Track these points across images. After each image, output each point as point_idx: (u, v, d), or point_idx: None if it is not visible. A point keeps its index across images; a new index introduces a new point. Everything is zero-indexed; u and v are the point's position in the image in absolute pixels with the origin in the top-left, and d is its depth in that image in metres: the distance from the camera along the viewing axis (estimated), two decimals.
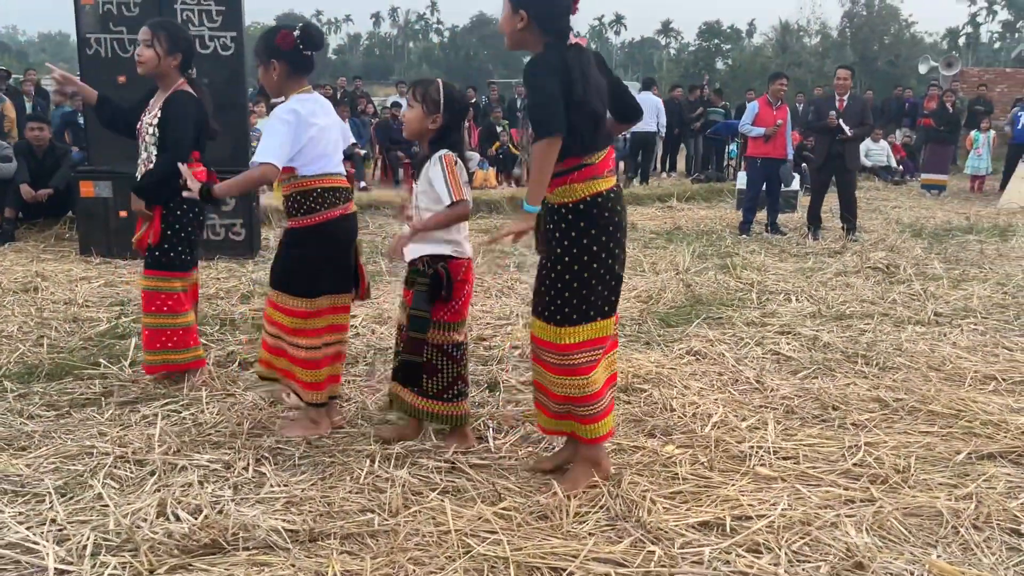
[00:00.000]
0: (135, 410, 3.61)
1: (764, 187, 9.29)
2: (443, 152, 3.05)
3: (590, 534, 2.57)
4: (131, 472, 2.99)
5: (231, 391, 3.85)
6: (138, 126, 3.83)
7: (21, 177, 7.50)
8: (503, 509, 2.68)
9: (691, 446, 3.29)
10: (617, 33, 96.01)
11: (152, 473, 2.97)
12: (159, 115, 3.71)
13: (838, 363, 4.41)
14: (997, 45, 77.30)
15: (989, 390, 3.98)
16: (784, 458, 3.17)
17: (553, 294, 2.73)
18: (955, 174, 15.46)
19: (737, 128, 15.42)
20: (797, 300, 5.89)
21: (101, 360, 4.19)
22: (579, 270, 2.70)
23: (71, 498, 2.79)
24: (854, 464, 3.10)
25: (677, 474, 3.01)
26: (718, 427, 3.45)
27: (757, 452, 3.19)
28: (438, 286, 3.05)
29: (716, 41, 73.25)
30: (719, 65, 66.83)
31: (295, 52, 3.23)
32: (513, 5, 2.69)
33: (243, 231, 7.09)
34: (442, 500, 2.76)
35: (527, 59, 2.70)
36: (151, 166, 3.74)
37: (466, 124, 14.67)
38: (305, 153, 3.23)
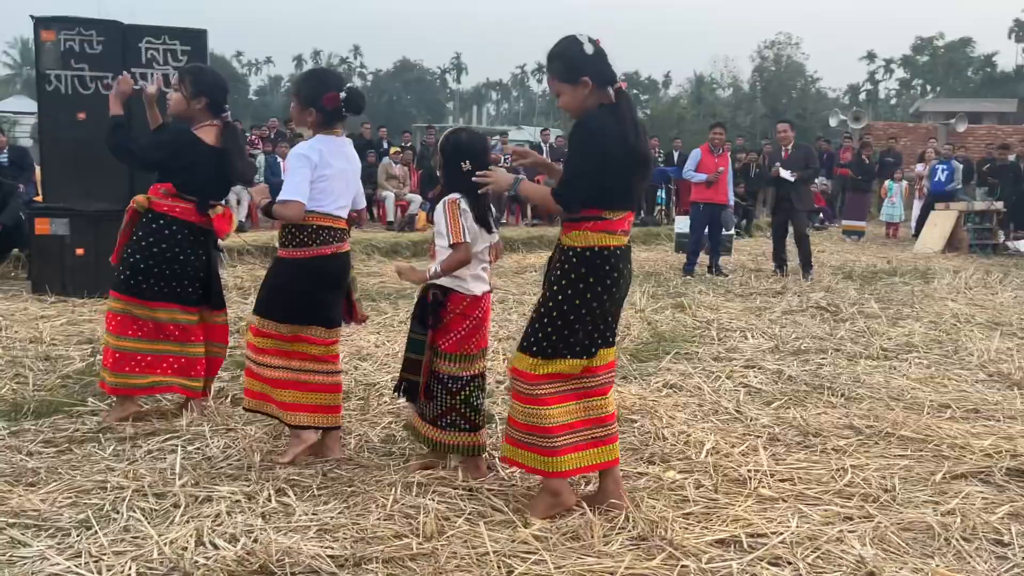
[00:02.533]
0: (136, 445, 3.60)
1: (706, 231, 9.71)
2: (450, 196, 3.23)
3: (621, 552, 2.71)
4: (154, 504, 2.98)
5: (231, 426, 3.86)
6: None
7: None
8: (537, 531, 2.80)
9: (691, 471, 3.46)
10: (539, 81, 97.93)
11: (176, 505, 2.98)
12: None
13: (806, 394, 4.68)
14: (894, 101, 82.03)
15: (946, 417, 4.29)
16: (781, 480, 3.37)
17: (537, 327, 2.91)
18: (870, 220, 16.36)
19: (667, 175, 16.12)
20: (753, 337, 6.19)
21: (89, 398, 4.15)
22: (567, 310, 2.87)
23: (97, 531, 2.78)
24: (845, 485, 3.32)
25: (686, 497, 3.18)
26: (712, 454, 3.65)
27: (756, 475, 3.38)
28: (423, 310, 3.22)
29: (634, 91, 75.57)
30: (638, 115, 69.00)
31: (336, 112, 3.38)
32: (571, 79, 2.85)
33: None
34: (474, 524, 2.86)
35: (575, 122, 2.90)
36: None
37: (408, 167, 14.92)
38: (311, 190, 3.36)
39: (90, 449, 3.53)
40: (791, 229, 9.58)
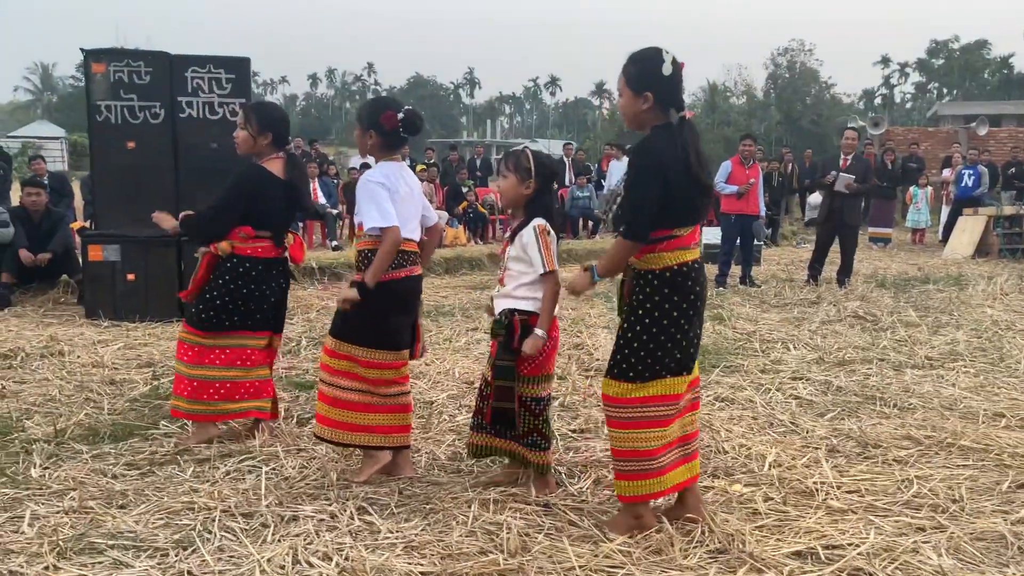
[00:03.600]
0: (214, 467, 3.70)
1: (738, 242, 9.77)
2: (537, 221, 3.30)
3: (703, 566, 2.78)
4: (243, 524, 3.09)
5: (301, 446, 3.97)
6: None
7: (19, 242, 7.48)
8: (619, 546, 2.87)
9: (757, 484, 3.53)
10: (552, 94, 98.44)
11: (264, 525, 3.08)
12: None
13: (858, 405, 4.74)
14: (909, 105, 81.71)
15: (1002, 426, 4.34)
16: (848, 492, 3.44)
17: (627, 352, 2.95)
18: (896, 227, 16.34)
19: None
20: (796, 348, 6.25)
21: (161, 422, 4.27)
22: (657, 332, 2.92)
23: (193, 551, 2.88)
24: (912, 496, 3.38)
25: (757, 510, 3.25)
26: (775, 466, 3.71)
27: (822, 488, 3.45)
28: (509, 337, 3.28)
29: None
30: (700, 145, 68.93)
31: (394, 132, 3.49)
32: (636, 88, 2.91)
33: None
34: (556, 539, 2.95)
35: (634, 146, 2.98)
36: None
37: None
38: None
39: (171, 471, 3.65)
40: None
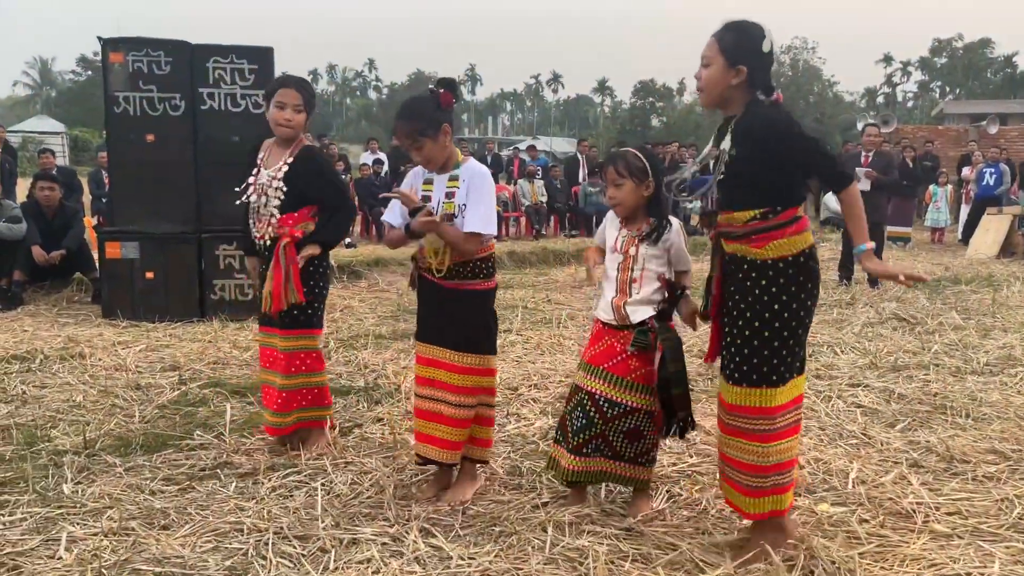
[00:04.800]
0: (258, 482, 3.45)
1: None
2: (677, 221, 3.10)
3: None
4: (300, 549, 2.83)
5: (348, 459, 3.71)
6: (251, 182, 3.73)
7: (32, 239, 7.21)
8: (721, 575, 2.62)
9: (844, 503, 3.28)
10: (555, 91, 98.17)
11: (323, 550, 2.83)
12: (286, 168, 3.64)
13: (928, 415, 4.48)
14: (911, 104, 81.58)
15: None
16: (948, 514, 3.18)
17: (765, 354, 2.66)
18: (915, 226, 16.11)
19: (702, 183, 15.93)
20: (843, 352, 6.00)
21: (196, 431, 4.01)
22: (795, 326, 2.66)
23: None
24: (1017, 518, 3.13)
25: (854, 534, 2.99)
26: (861, 483, 3.46)
27: (919, 508, 3.20)
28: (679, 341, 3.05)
29: (651, 99, 75.40)
30: (654, 122, 68.91)
31: (452, 110, 3.21)
32: (729, 59, 2.63)
33: None
34: (644, 567, 2.70)
35: (733, 118, 2.71)
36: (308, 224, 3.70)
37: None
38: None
39: (212, 487, 3.39)
40: None
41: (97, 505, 3.17)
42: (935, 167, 16.77)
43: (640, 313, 3.05)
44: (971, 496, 3.36)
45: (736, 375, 2.71)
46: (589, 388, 3.10)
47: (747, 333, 2.69)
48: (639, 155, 3.06)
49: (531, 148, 19.03)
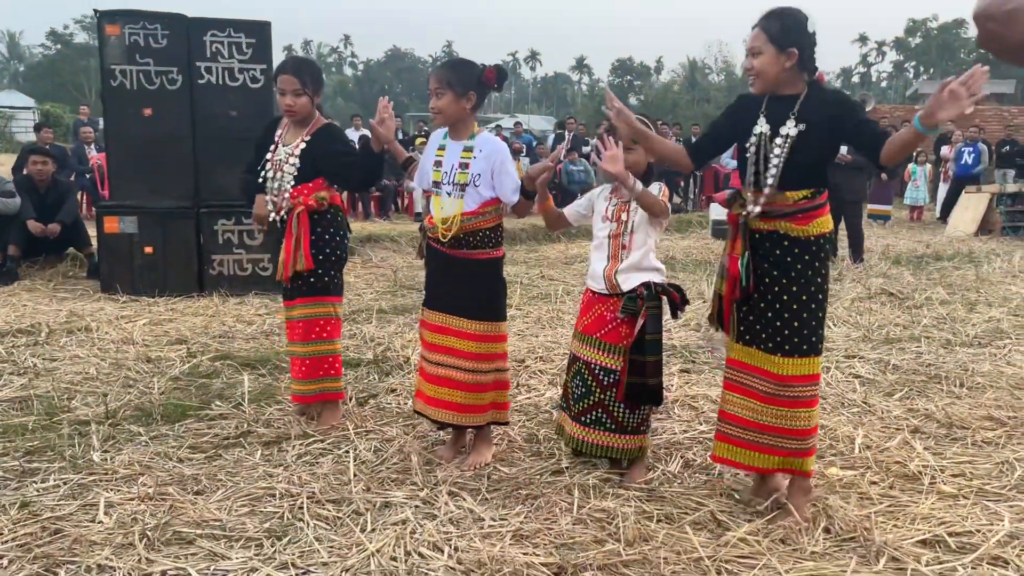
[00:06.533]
0: (283, 450, 3.52)
1: None
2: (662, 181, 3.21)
3: (839, 555, 2.65)
4: (335, 512, 2.91)
5: (369, 428, 3.79)
6: (269, 158, 3.77)
7: (27, 213, 7.16)
8: (745, 534, 2.74)
9: (853, 467, 3.41)
10: (532, 68, 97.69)
11: (357, 512, 2.91)
12: (303, 146, 3.68)
13: (923, 384, 4.63)
14: (885, 84, 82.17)
15: None
16: (953, 476, 3.32)
17: (813, 325, 2.81)
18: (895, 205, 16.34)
19: None
20: (836, 325, 6.14)
21: (214, 402, 4.06)
22: (823, 298, 2.83)
23: (291, 541, 2.71)
24: (1019, 480, 3.28)
25: (865, 494, 3.12)
26: (867, 448, 3.60)
27: (926, 471, 3.33)
28: (673, 307, 3.16)
29: (628, 77, 75.39)
30: (632, 100, 69.02)
31: (489, 90, 3.29)
32: (781, 44, 2.72)
33: (270, 266, 6.93)
34: (672, 528, 2.80)
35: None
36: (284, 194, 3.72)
37: None
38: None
39: (238, 455, 3.45)
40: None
41: (128, 472, 3.22)
42: None
43: (631, 281, 3.15)
44: (973, 459, 3.51)
45: (787, 347, 2.82)
46: (585, 357, 3.22)
47: (795, 307, 2.80)
48: (647, 121, 3.15)
49: (517, 125, 19.03)
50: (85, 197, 11.82)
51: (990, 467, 3.42)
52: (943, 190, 15.59)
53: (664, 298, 3.16)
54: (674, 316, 3.23)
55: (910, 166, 16.01)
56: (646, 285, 3.12)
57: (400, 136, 15.72)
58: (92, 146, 12.88)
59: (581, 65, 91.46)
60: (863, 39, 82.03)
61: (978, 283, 8.07)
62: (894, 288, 7.69)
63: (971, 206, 13.47)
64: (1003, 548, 2.71)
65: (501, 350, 3.42)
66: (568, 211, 3.43)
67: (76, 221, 7.48)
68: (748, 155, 2.87)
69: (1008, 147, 16.88)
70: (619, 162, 2.96)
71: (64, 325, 5.52)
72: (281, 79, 3.67)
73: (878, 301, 7.18)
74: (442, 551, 2.63)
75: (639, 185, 3.03)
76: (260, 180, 3.78)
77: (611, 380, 3.15)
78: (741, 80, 71.21)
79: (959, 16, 70.90)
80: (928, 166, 16.11)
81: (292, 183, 3.69)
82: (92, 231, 7.42)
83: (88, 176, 12.30)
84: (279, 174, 3.72)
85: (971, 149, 14.86)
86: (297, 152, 3.68)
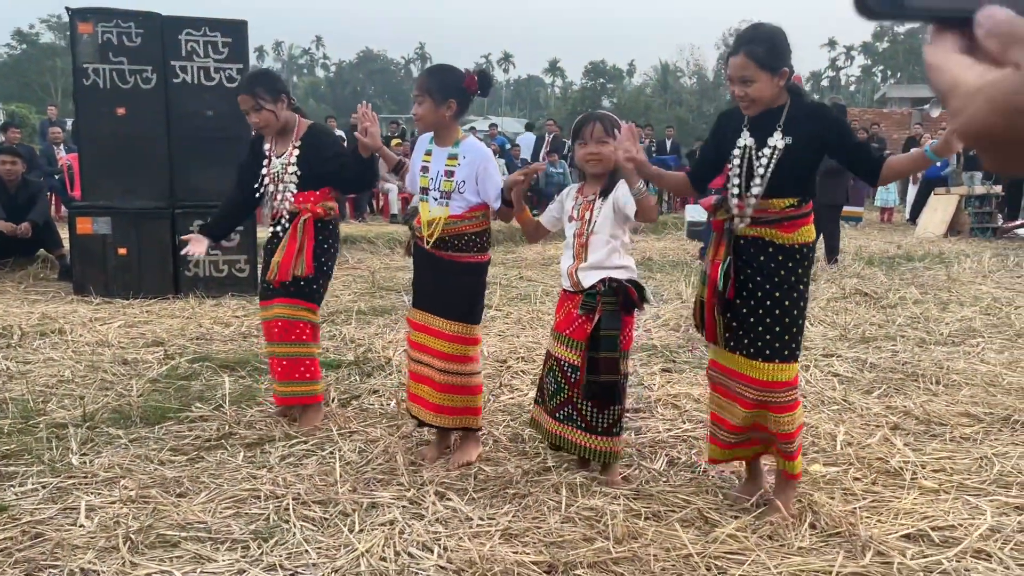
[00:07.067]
0: (266, 452, 3.48)
1: None
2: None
3: (826, 549, 2.67)
4: (320, 512, 2.89)
5: (353, 428, 3.76)
6: (264, 173, 3.75)
7: None
8: (733, 531, 2.75)
9: (836, 464, 3.44)
10: (505, 71, 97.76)
11: (344, 513, 2.89)
12: (297, 153, 3.67)
13: (900, 382, 4.69)
14: (853, 88, 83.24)
15: None
16: (934, 471, 3.37)
17: (794, 331, 2.83)
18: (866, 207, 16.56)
19: (668, 164, 16.16)
20: (813, 324, 6.20)
21: (194, 404, 4.01)
22: (804, 305, 2.86)
23: (278, 543, 2.68)
24: (998, 474, 3.33)
25: (849, 490, 3.15)
26: (849, 445, 3.63)
27: (907, 467, 3.37)
28: (629, 303, 3.13)
29: (601, 80, 75.70)
30: (604, 103, 69.30)
31: (471, 96, 3.28)
32: (773, 68, 2.73)
33: (247, 267, 6.87)
34: (660, 525, 2.81)
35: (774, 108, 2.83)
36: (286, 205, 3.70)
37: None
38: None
39: (221, 456, 3.41)
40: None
41: (108, 475, 3.17)
42: (882, 149, 17.23)
43: (590, 278, 3.15)
44: (952, 455, 3.55)
45: (767, 352, 2.84)
46: (556, 354, 3.24)
47: (777, 312, 2.82)
48: (615, 118, 3.17)
49: (492, 127, 19.03)
50: (55, 198, 11.64)
51: (969, 462, 3.47)
52: (912, 192, 15.82)
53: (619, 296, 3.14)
54: (628, 312, 3.17)
55: None
56: (603, 281, 3.13)
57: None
58: (61, 147, 12.68)
59: (554, 68, 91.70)
60: (832, 43, 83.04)
61: (949, 283, 8.19)
62: (868, 288, 7.78)
63: (940, 208, 13.67)
64: (985, 542, 2.75)
65: (473, 353, 3.41)
66: (544, 219, 3.42)
67: (47, 222, 7.36)
68: (732, 167, 2.89)
69: (974, 150, 17.13)
70: (638, 148, 2.93)
71: (36, 327, 5.43)
72: (239, 100, 3.67)
73: (853, 301, 7.27)
74: (431, 551, 2.61)
75: (641, 183, 3.06)
76: (258, 196, 3.80)
77: (578, 378, 3.17)
78: (713, 83, 71.82)
79: None
80: None
81: (294, 190, 3.68)
82: (63, 233, 7.32)
83: (57, 177, 12.11)
84: (280, 185, 3.70)
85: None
86: (293, 159, 3.67)
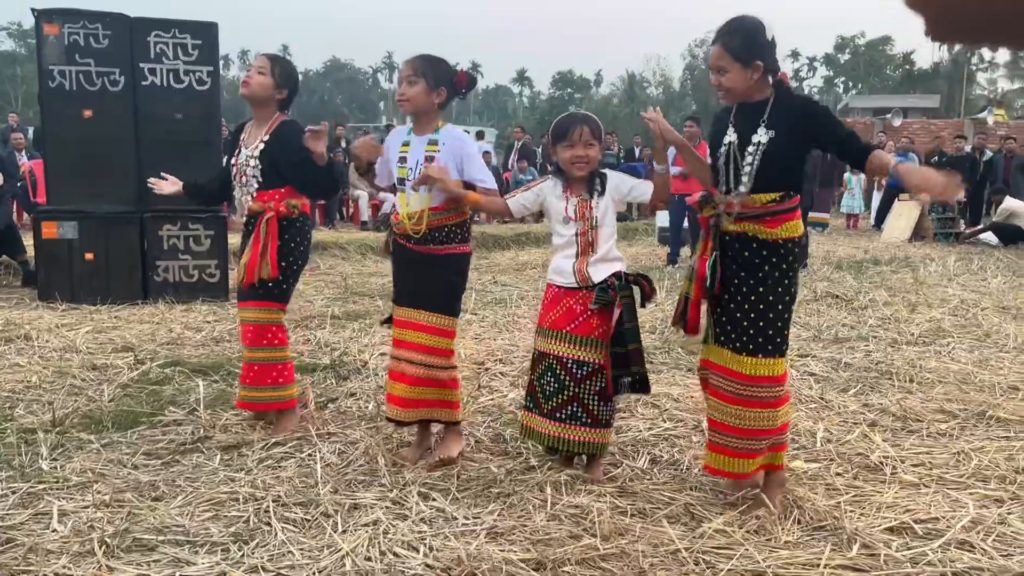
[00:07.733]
0: (243, 455, 3.42)
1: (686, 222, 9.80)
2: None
3: (812, 543, 2.67)
4: (302, 514, 2.83)
5: (331, 430, 3.70)
6: (233, 162, 3.69)
7: None
8: (720, 526, 2.74)
9: (817, 460, 3.46)
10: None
11: (326, 515, 2.83)
12: (262, 147, 3.60)
13: (875, 380, 4.73)
14: (817, 98, 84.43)
15: (1020, 398, 4.39)
16: (914, 466, 3.39)
17: (779, 326, 2.82)
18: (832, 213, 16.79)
19: (637, 171, 16.24)
20: None
21: (168, 408, 3.93)
22: (790, 301, 2.84)
23: (259, 545, 2.62)
24: (976, 468, 3.36)
25: (831, 485, 3.16)
26: (828, 441, 3.65)
27: (887, 462, 3.39)
28: (644, 296, 3.18)
29: (568, 90, 76.07)
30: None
31: (458, 92, 3.28)
32: (745, 60, 2.74)
33: (217, 272, 6.77)
34: (647, 521, 2.80)
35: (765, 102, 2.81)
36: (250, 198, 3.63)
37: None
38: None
39: (197, 460, 3.34)
40: None
41: (81, 479, 3.09)
42: None
43: (602, 272, 3.15)
44: (931, 450, 3.58)
45: (751, 346, 2.83)
46: (556, 352, 3.19)
47: (761, 307, 2.81)
48: (599, 122, 3.20)
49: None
50: (16, 205, 11.39)
51: (947, 457, 3.50)
52: (877, 198, 16.08)
53: (635, 287, 3.18)
54: (642, 305, 3.23)
55: (846, 175, 16.47)
56: (616, 275, 3.12)
57: (343, 145, 15.53)
58: (23, 153, 12.44)
59: (522, 77, 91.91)
60: (795, 55, 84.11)
61: (916, 286, 8.31)
62: (838, 291, 7.87)
63: (904, 214, 13.90)
64: (968, 533, 2.76)
65: (447, 345, 3.37)
66: (513, 203, 3.35)
67: (10, 226, 7.21)
68: (719, 164, 2.90)
69: (936, 157, 17.47)
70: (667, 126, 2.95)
71: (1, 334, 5.29)
72: (257, 58, 3.67)
73: (824, 303, 7.34)
74: (417, 550, 2.57)
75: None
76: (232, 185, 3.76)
77: (584, 373, 3.13)
78: (679, 93, 72.47)
79: (885, 33, 73.40)
80: (862, 176, 16.57)
81: (256, 186, 3.61)
82: (27, 240, 7.15)
83: (20, 184, 11.85)
84: (243, 178, 3.64)
85: (902, 159, 15.29)
86: (256, 153, 3.60)
